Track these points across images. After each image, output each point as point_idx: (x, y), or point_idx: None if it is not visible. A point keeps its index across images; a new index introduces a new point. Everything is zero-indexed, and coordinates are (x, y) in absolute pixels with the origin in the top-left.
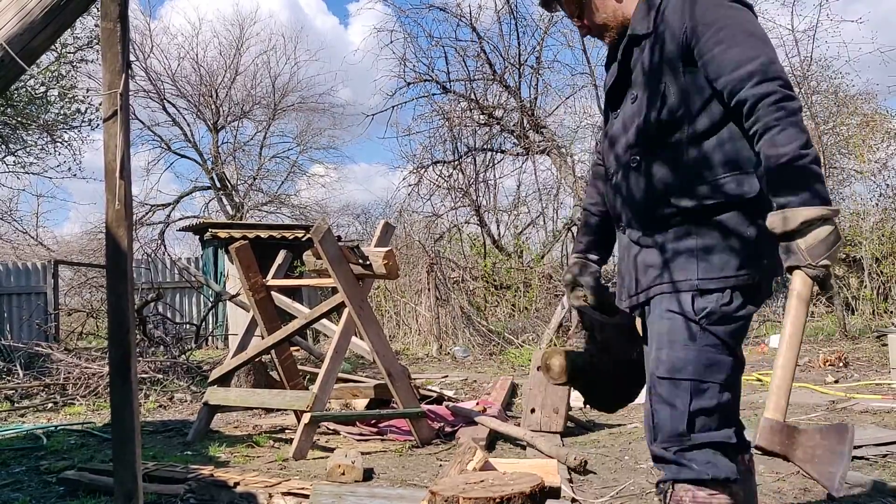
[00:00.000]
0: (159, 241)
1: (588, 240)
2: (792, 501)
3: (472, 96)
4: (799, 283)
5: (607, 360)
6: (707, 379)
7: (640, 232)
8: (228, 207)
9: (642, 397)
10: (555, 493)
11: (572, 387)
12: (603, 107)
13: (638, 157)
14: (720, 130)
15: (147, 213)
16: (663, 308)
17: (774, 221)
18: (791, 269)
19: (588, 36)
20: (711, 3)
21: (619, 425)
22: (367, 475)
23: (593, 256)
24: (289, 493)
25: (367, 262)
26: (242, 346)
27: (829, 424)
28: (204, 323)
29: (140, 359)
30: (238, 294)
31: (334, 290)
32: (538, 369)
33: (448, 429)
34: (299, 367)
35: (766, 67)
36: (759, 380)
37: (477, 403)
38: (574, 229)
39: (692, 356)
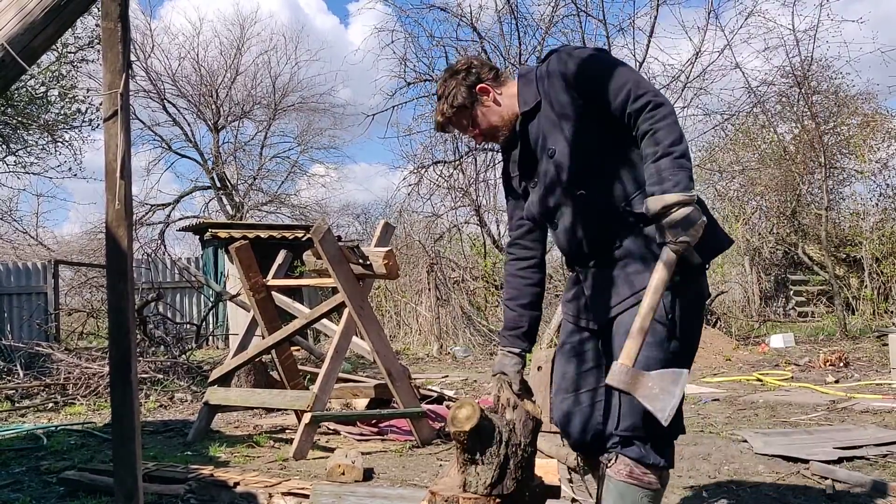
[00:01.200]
0: (159, 241)
1: (510, 334)
2: (791, 501)
3: None
4: (664, 254)
5: (509, 436)
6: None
7: (609, 253)
8: (228, 207)
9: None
10: (555, 493)
11: (466, 444)
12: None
13: (584, 190)
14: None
15: (147, 213)
16: (635, 312)
17: (646, 206)
18: (661, 245)
19: (483, 141)
20: (577, 56)
21: None
22: (368, 475)
23: (515, 350)
24: (289, 493)
25: (368, 262)
26: (243, 346)
27: (667, 370)
28: (204, 323)
29: (140, 359)
30: (238, 294)
31: (334, 290)
32: (538, 369)
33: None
34: (300, 366)
35: (636, 86)
36: (759, 379)
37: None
38: None
39: (661, 356)
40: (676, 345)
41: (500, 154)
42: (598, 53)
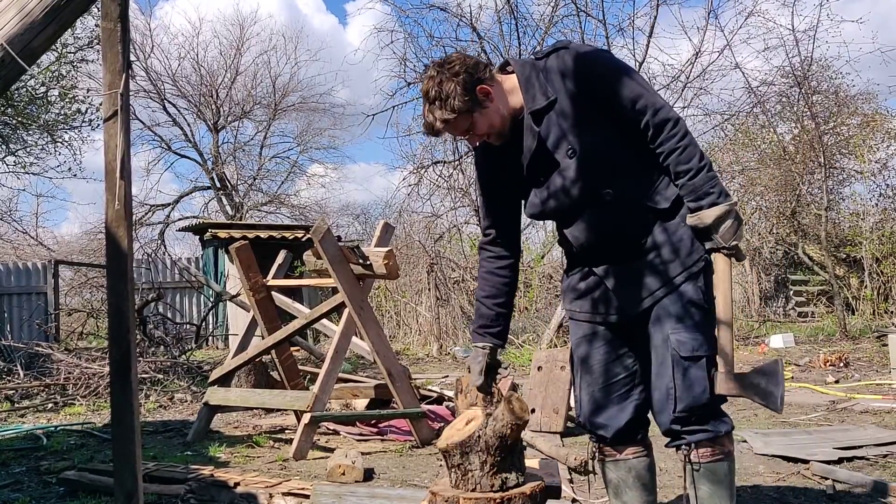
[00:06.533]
0: (159, 241)
1: (485, 331)
2: (792, 501)
3: None
4: (721, 261)
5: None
6: (713, 353)
7: (634, 248)
8: (228, 207)
9: None
10: (555, 493)
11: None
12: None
13: (610, 189)
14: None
15: (147, 213)
16: (680, 296)
17: (694, 221)
18: (711, 251)
19: (479, 141)
20: (587, 56)
21: None
22: (368, 475)
23: (489, 345)
24: (289, 494)
25: (368, 262)
26: (243, 347)
27: (762, 364)
28: (204, 323)
29: (140, 359)
30: (238, 294)
31: (334, 291)
32: (538, 369)
33: None
34: (300, 367)
35: (653, 99)
36: None
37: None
38: None
39: (707, 335)
40: (710, 315)
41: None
42: (607, 56)
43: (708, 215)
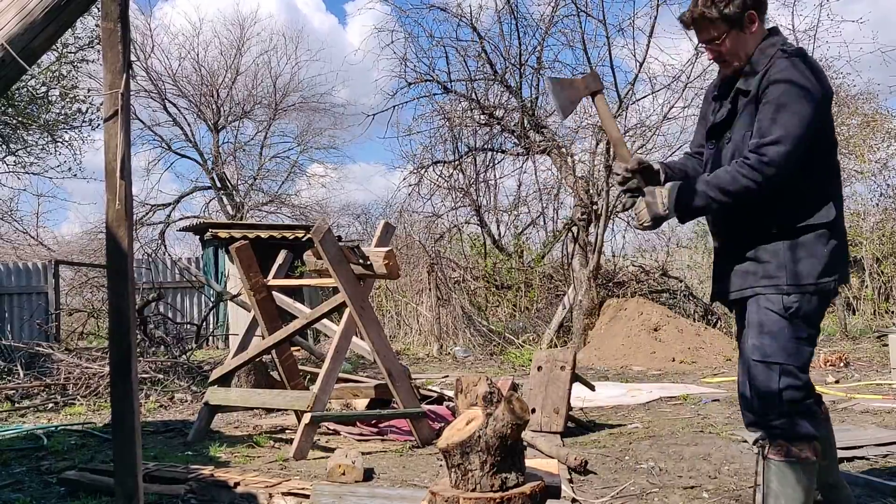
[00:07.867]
0: (160, 241)
1: (667, 160)
2: None
3: (473, 96)
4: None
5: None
6: (792, 363)
7: (737, 245)
8: (229, 207)
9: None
10: (555, 493)
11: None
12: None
13: None
14: (808, 168)
15: (147, 213)
16: (760, 304)
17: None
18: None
19: (714, 61)
20: (781, 81)
21: (620, 425)
22: (368, 475)
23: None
24: (289, 494)
25: (368, 262)
26: (243, 346)
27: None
28: (205, 323)
29: (141, 359)
30: (239, 294)
31: (335, 290)
32: (538, 369)
33: None
34: (300, 367)
35: (769, 142)
36: None
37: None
38: (574, 229)
39: (782, 345)
40: (795, 330)
41: (499, 154)
42: (794, 88)
43: (656, 197)
